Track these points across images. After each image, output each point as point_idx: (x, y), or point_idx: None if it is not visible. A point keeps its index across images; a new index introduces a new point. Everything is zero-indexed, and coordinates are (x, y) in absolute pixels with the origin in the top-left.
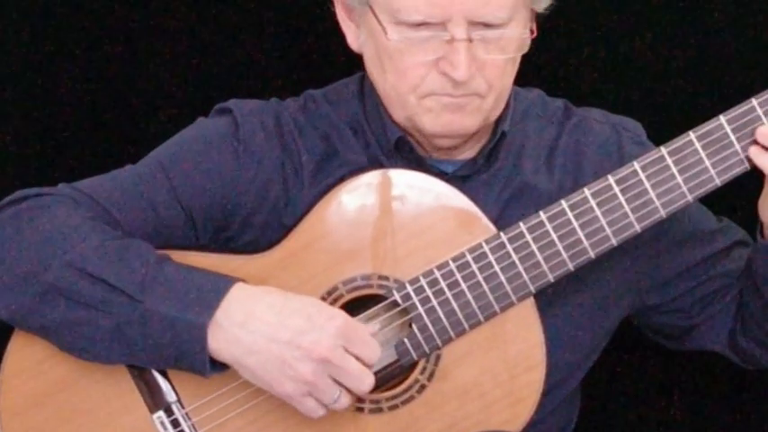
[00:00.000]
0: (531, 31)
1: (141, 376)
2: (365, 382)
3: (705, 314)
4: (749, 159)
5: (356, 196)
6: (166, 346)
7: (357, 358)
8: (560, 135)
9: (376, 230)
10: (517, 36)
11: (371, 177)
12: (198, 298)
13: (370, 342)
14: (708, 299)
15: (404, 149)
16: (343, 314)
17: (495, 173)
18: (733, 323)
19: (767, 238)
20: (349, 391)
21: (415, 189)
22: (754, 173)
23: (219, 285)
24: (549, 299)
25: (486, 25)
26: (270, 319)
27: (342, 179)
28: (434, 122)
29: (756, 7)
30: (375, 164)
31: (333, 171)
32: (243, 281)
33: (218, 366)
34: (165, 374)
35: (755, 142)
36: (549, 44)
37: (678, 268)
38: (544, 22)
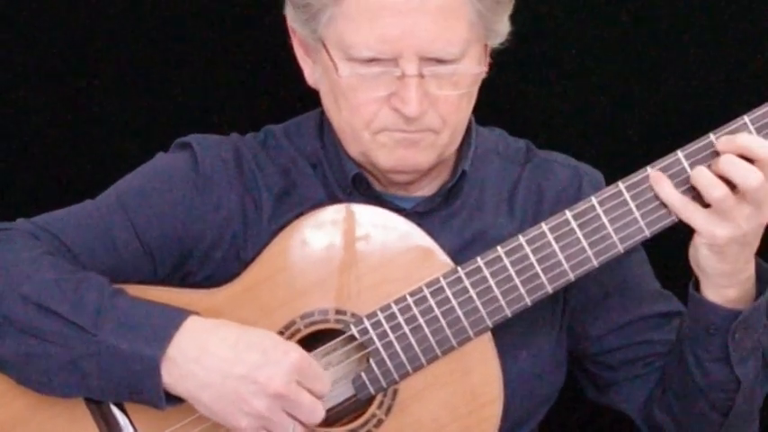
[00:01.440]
0: (487, 67)
1: (99, 410)
2: (316, 414)
3: (628, 375)
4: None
5: (315, 231)
6: (121, 380)
7: (309, 391)
8: (522, 176)
9: (334, 265)
10: (470, 72)
11: (330, 212)
12: (151, 331)
13: (322, 376)
14: (636, 362)
15: (361, 185)
16: (297, 348)
17: (455, 211)
18: (652, 391)
19: (699, 292)
20: (302, 423)
21: (373, 224)
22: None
23: (173, 319)
24: (508, 335)
25: (438, 61)
26: (225, 354)
27: (301, 214)
28: (388, 158)
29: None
30: (334, 200)
31: (292, 206)
32: (197, 314)
33: (174, 399)
34: (122, 408)
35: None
36: (511, 83)
37: (616, 320)
38: (507, 60)
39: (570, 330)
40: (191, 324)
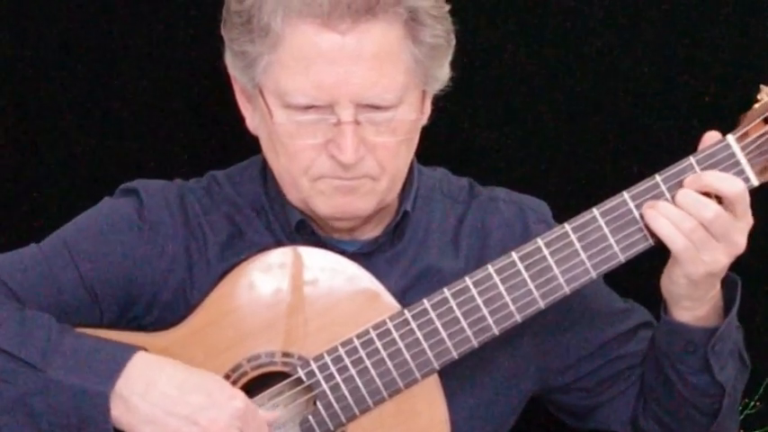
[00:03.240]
0: (425, 114)
1: None
2: None
3: (608, 394)
4: (651, 234)
5: (262, 273)
6: (70, 415)
7: None
8: (466, 214)
9: (281, 308)
10: (408, 118)
11: (277, 255)
12: (99, 366)
13: (264, 429)
14: (611, 380)
15: (305, 231)
16: (243, 396)
17: (400, 252)
18: (635, 404)
19: (670, 315)
20: None
21: (321, 267)
22: (659, 250)
23: (121, 354)
24: (454, 376)
25: (375, 107)
26: (170, 392)
27: (247, 258)
28: (327, 205)
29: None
30: (279, 245)
31: (238, 251)
32: (145, 349)
33: None
34: None
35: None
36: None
37: (583, 350)
38: (448, 100)
39: (539, 368)
40: (138, 359)
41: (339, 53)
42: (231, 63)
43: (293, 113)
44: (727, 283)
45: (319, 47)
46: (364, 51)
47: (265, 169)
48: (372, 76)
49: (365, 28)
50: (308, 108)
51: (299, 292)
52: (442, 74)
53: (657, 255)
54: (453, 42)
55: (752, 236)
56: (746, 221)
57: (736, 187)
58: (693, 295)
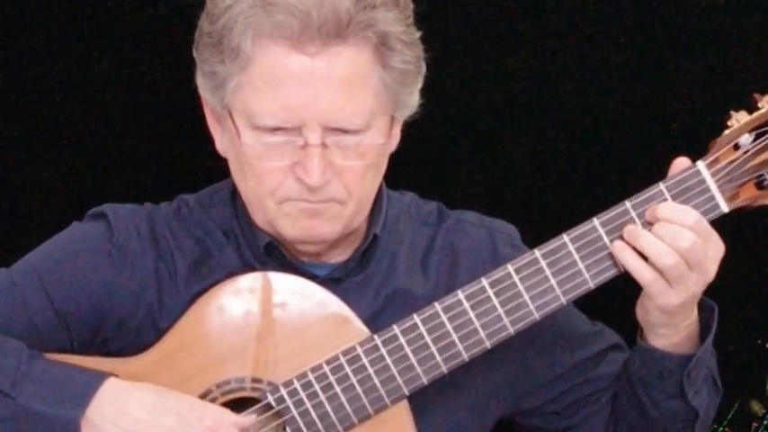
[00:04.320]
0: (395, 139)
1: None
2: None
3: (579, 417)
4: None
5: (231, 299)
6: None
7: None
8: (435, 238)
9: (251, 333)
10: (375, 143)
11: (247, 280)
12: (70, 393)
13: None
14: (582, 402)
15: (274, 254)
16: (214, 414)
17: (369, 276)
18: (606, 427)
19: (645, 341)
20: None
21: (291, 292)
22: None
23: (92, 381)
24: (424, 401)
25: (342, 131)
26: (141, 416)
27: (217, 283)
28: (293, 228)
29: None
30: (249, 268)
31: (207, 275)
32: (116, 376)
33: None
34: None
35: (621, 238)
36: (422, 145)
37: (552, 373)
38: (417, 125)
39: (510, 391)
40: (109, 385)
41: (308, 75)
42: (201, 84)
43: (261, 135)
44: (703, 309)
45: (288, 69)
46: (333, 75)
47: (235, 192)
48: (340, 100)
49: (335, 51)
50: (275, 130)
51: (268, 318)
52: (412, 100)
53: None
54: (424, 69)
55: (723, 261)
56: (716, 249)
57: (689, 217)
58: (669, 323)
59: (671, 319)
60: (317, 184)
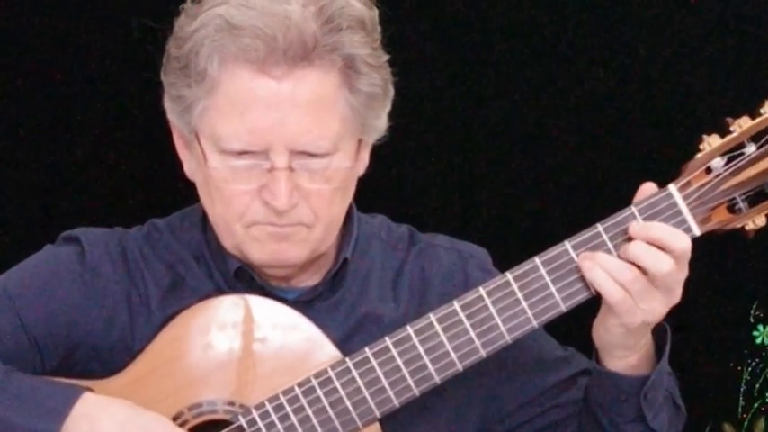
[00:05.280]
0: (363, 163)
1: None
2: None
3: None
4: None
5: (204, 321)
6: None
7: None
8: (405, 261)
9: (224, 355)
10: (343, 166)
11: (219, 303)
12: (47, 407)
13: None
14: (551, 427)
15: (244, 279)
16: None
17: (340, 299)
18: None
19: (602, 364)
20: None
21: (263, 315)
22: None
23: (68, 395)
24: (396, 423)
25: (309, 155)
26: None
27: (189, 306)
28: (260, 252)
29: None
30: (220, 293)
31: (179, 299)
32: (91, 390)
33: None
34: None
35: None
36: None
37: (523, 397)
38: (387, 148)
39: (479, 415)
40: (85, 400)
41: (274, 99)
42: (169, 108)
43: (228, 158)
44: (657, 331)
45: (255, 92)
46: (299, 98)
47: (205, 216)
48: (307, 123)
49: (301, 75)
50: (242, 153)
51: (241, 340)
52: (380, 123)
53: (596, 303)
54: (392, 92)
55: (690, 281)
56: (685, 273)
57: (684, 243)
58: (626, 344)
59: (630, 338)
60: (283, 208)
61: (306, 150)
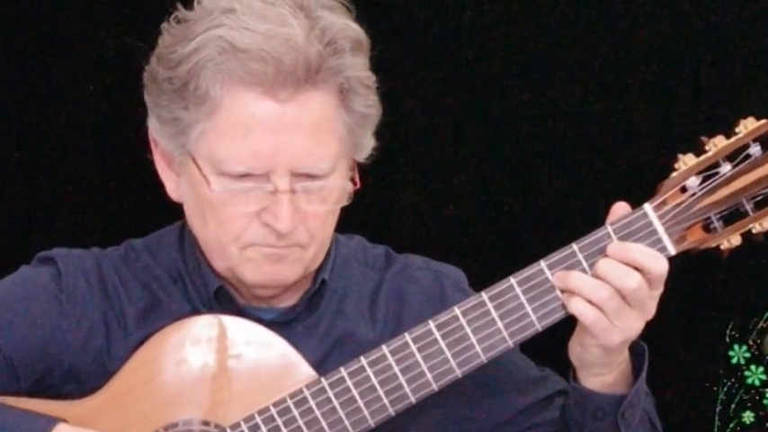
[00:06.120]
0: (354, 182)
1: None
2: None
3: None
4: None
5: (180, 341)
6: None
7: None
8: (382, 282)
9: (200, 375)
10: (339, 186)
11: (196, 322)
12: None
13: None
14: None
15: (222, 299)
16: None
17: (317, 320)
18: None
19: (578, 382)
20: None
21: (239, 335)
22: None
23: (42, 427)
24: None
25: (310, 176)
26: None
27: (164, 326)
28: (255, 273)
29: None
30: (197, 313)
31: (156, 320)
32: (65, 421)
33: None
34: None
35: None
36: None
37: (499, 417)
38: (364, 168)
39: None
40: (59, 431)
41: (278, 122)
42: (157, 130)
43: (228, 181)
44: (634, 351)
45: (257, 115)
46: (303, 121)
47: (183, 236)
48: (309, 145)
49: (305, 97)
50: (243, 176)
51: (217, 360)
52: (368, 142)
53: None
54: (380, 111)
55: (665, 300)
56: (660, 290)
57: (662, 266)
58: (604, 362)
59: (608, 357)
60: (287, 230)
61: (307, 172)
